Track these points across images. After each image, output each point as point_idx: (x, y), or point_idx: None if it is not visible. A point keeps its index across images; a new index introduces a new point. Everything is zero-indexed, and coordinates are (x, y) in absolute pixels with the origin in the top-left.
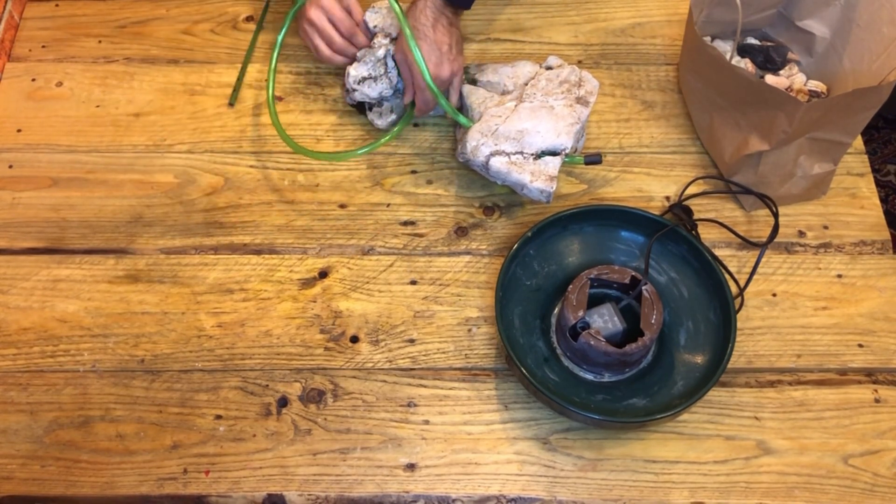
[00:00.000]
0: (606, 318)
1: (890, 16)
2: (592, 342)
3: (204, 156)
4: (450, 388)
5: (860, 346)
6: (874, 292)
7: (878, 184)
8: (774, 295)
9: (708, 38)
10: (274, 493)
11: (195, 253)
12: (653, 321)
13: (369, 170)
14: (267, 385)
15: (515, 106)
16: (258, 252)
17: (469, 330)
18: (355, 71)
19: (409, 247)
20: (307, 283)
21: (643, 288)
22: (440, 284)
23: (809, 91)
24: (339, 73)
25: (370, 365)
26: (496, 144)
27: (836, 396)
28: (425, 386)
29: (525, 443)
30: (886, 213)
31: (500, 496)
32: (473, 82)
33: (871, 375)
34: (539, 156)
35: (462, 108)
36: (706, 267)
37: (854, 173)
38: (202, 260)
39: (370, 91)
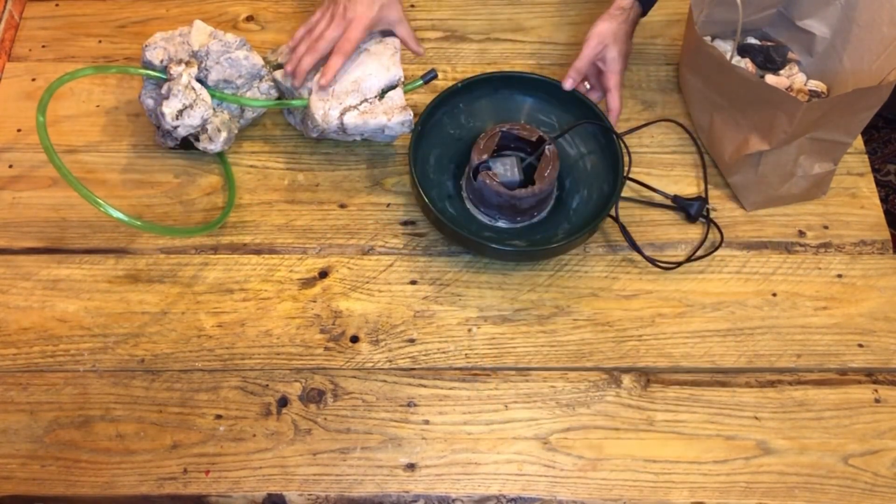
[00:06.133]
0: (508, 167)
1: (890, 16)
2: (488, 181)
3: (204, 156)
4: (450, 388)
5: (860, 346)
6: (874, 292)
7: (878, 183)
8: (774, 295)
9: (708, 38)
10: (274, 492)
11: (195, 253)
12: (546, 174)
13: (369, 170)
14: (267, 385)
15: None
16: (258, 252)
17: (469, 330)
18: (169, 108)
19: (409, 247)
20: (307, 283)
21: (546, 147)
22: (440, 284)
23: (809, 91)
24: None
25: (370, 365)
26: (341, 103)
27: (836, 396)
28: (425, 386)
29: (525, 443)
30: (886, 212)
31: (500, 496)
32: (279, 67)
33: (871, 375)
34: (381, 95)
35: (282, 94)
36: (610, 145)
37: (854, 173)
38: (202, 260)
39: (192, 120)
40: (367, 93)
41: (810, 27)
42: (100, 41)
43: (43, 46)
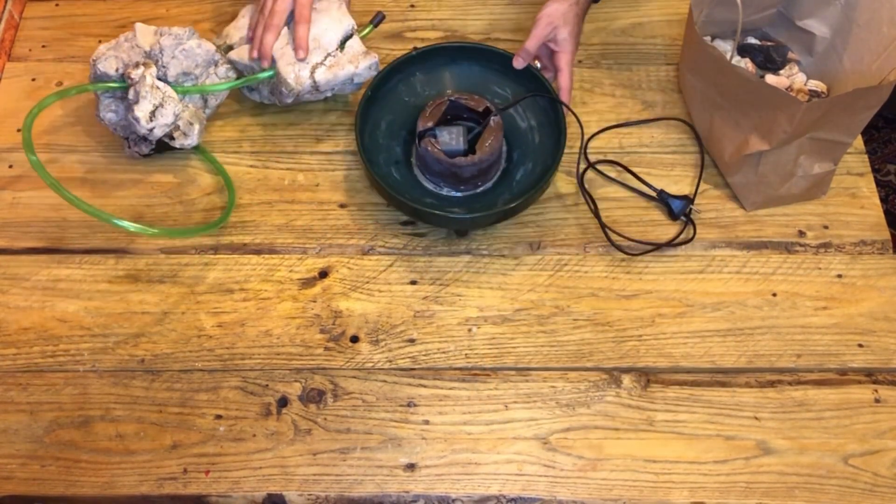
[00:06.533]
0: (454, 136)
1: (890, 16)
2: (429, 148)
3: (204, 155)
4: (450, 388)
5: (860, 346)
6: (874, 292)
7: (878, 183)
8: (774, 295)
9: (708, 38)
10: (274, 492)
11: (195, 253)
12: (487, 145)
13: None
14: (267, 385)
15: (287, 29)
16: (258, 252)
17: (469, 330)
18: (141, 111)
19: (409, 247)
20: (307, 283)
21: (491, 118)
22: (440, 284)
23: (809, 91)
24: None
25: (370, 365)
26: (308, 63)
27: (836, 396)
28: (425, 386)
29: (525, 443)
30: (886, 212)
31: (500, 496)
32: (230, 49)
33: (871, 375)
34: (342, 46)
35: (240, 74)
36: (559, 121)
37: (854, 173)
38: (202, 260)
39: (166, 119)
40: (329, 47)
41: (810, 27)
42: (100, 41)
43: (43, 46)
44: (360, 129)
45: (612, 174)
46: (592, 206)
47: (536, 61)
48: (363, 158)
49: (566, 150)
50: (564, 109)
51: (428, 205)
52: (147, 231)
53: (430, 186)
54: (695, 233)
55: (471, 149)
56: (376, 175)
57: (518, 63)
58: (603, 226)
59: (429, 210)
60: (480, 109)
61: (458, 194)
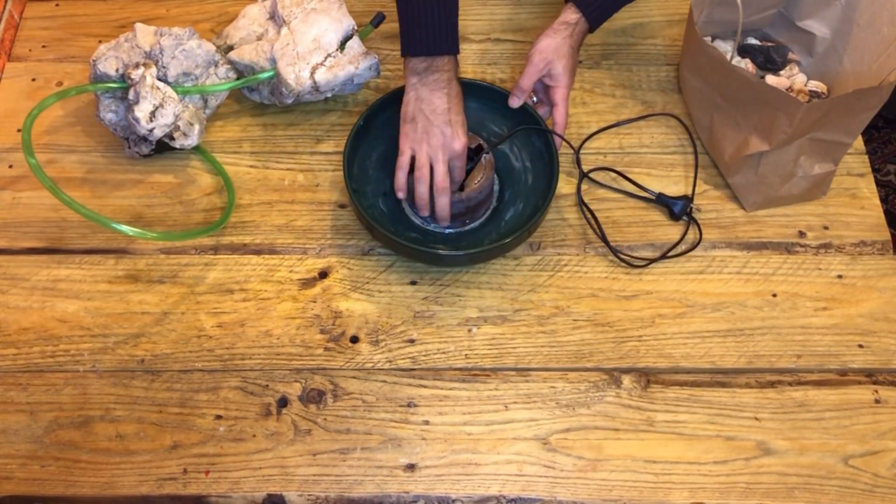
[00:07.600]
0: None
1: (890, 16)
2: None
3: (204, 156)
4: (450, 389)
5: (860, 346)
6: (874, 293)
7: (878, 183)
8: (775, 295)
9: (708, 39)
10: (274, 493)
11: (195, 253)
12: (476, 183)
13: None
14: (267, 385)
15: (288, 30)
16: (258, 252)
17: (469, 330)
18: (141, 111)
19: None
20: (307, 283)
21: (483, 156)
22: (440, 285)
23: (810, 91)
24: None
25: (370, 365)
26: (308, 63)
27: (836, 397)
28: (425, 386)
29: (525, 443)
30: (886, 213)
31: (500, 496)
32: (230, 49)
33: (871, 376)
34: (342, 47)
35: (241, 74)
36: (552, 163)
37: (854, 173)
38: (202, 260)
39: (166, 119)
40: (329, 48)
41: (810, 28)
42: (100, 41)
43: (43, 46)
44: (348, 158)
45: (611, 177)
46: (596, 226)
47: (532, 96)
48: (348, 187)
49: (565, 152)
50: (558, 148)
51: (412, 240)
52: (146, 235)
53: (417, 221)
54: (701, 235)
55: (461, 186)
56: (360, 206)
57: (514, 102)
58: (609, 245)
59: (407, 245)
60: (473, 146)
61: (444, 231)
